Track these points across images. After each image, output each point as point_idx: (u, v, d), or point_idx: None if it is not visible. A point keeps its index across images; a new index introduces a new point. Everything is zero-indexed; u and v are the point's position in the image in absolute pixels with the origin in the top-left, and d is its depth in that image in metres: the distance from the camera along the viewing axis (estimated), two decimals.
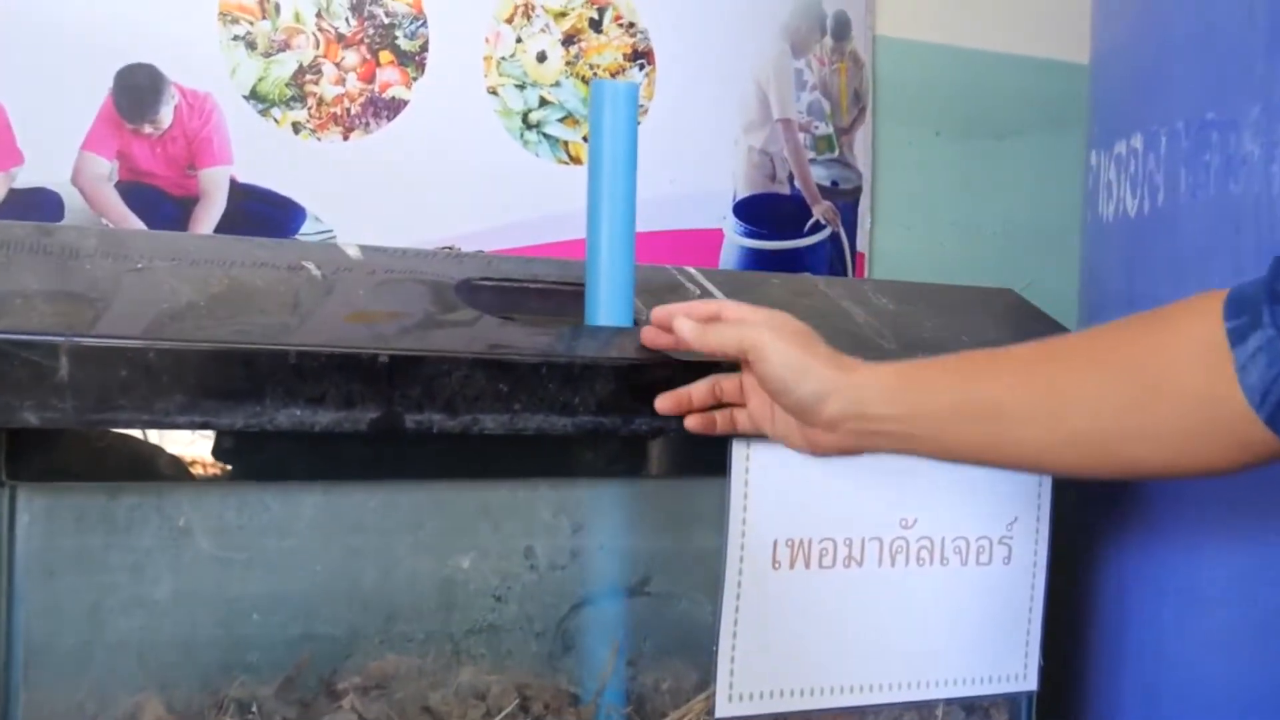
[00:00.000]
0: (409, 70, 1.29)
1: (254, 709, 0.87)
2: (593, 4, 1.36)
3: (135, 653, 0.85)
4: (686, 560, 1.00)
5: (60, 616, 0.83)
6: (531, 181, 1.35)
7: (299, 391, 0.82)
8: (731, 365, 0.92)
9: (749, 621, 0.98)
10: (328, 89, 1.26)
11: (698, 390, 0.91)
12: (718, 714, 0.97)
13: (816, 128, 1.49)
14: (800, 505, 1.01)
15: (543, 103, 1.35)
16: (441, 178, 1.31)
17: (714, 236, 1.44)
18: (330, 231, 1.26)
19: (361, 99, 1.27)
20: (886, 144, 1.54)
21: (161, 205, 1.21)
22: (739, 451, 0.98)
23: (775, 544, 1.01)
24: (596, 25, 1.37)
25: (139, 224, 1.19)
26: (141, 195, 1.20)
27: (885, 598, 1.04)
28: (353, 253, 1.02)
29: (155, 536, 0.85)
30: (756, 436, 0.97)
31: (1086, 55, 1.32)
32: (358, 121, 1.28)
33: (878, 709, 1.06)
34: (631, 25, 1.39)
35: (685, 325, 0.88)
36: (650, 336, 0.92)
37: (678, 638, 1.02)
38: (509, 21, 1.33)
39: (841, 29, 1.50)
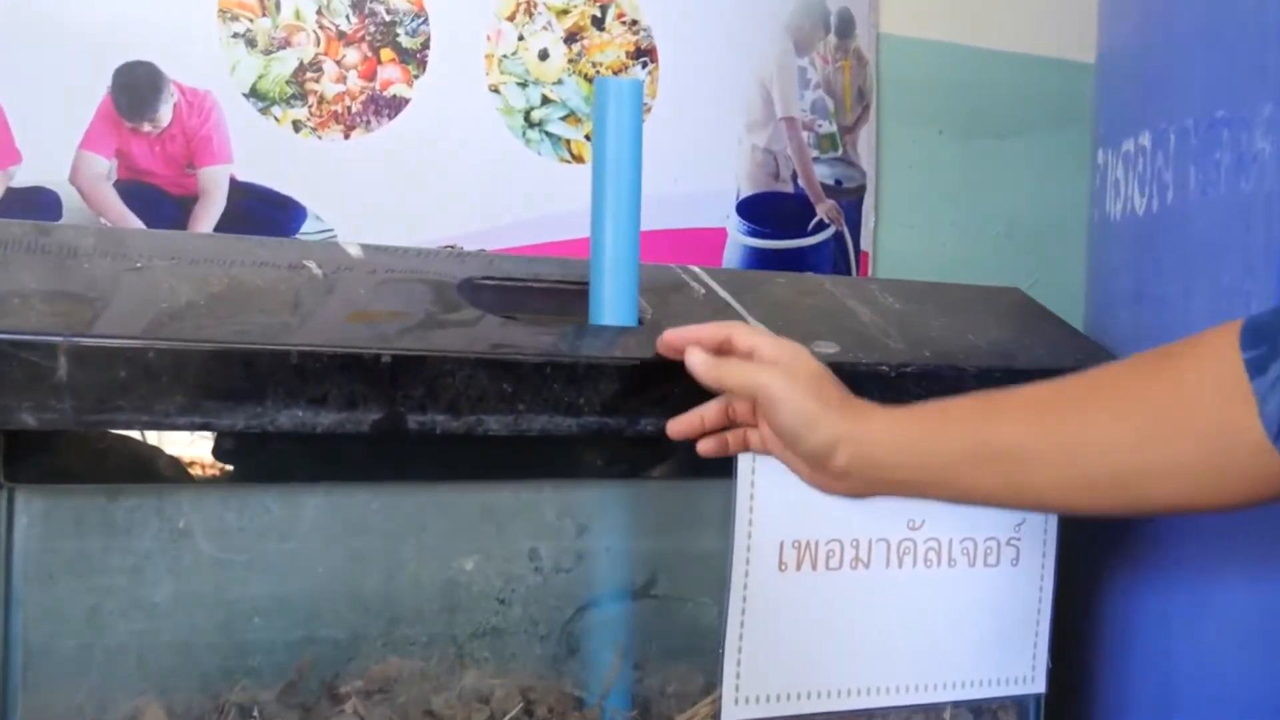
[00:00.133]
0: (410, 68, 1.28)
1: (255, 713, 0.86)
2: (595, 1, 1.35)
3: (135, 656, 0.85)
4: (692, 562, 0.99)
5: (59, 620, 0.82)
6: (533, 180, 1.34)
7: (300, 392, 0.82)
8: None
9: (755, 624, 0.97)
10: (328, 87, 1.25)
11: (709, 412, 0.90)
12: (724, 717, 0.96)
13: (820, 126, 1.48)
14: (807, 506, 1.00)
15: (545, 101, 1.34)
16: (443, 176, 1.30)
17: (717, 235, 1.43)
18: (331, 231, 1.25)
19: (362, 97, 1.26)
20: (890, 142, 1.53)
21: (161, 204, 1.20)
22: (745, 454, 0.97)
23: (781, 545, 1.00)
24: (599, 23, 1.36)
25: (138, 223, 1.18)
26: (140, 194, 1.19)
27: (892, 600, 1.03)
28: (354, 252, 1.01)
29: (155, 539, 0.84)
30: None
31: (1091, 54, 1.32)
32: (359, 120, 1.27)
33: (885, 712, 1.05)
34: (634, 23, 1.38)
35: (696, 359, 0.86)
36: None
37: (683, 640, 1.01)
38: (511, 19, 1.32)
39: (845, 27, 1.49)
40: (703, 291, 1.07)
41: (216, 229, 1.21)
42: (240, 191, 1.22)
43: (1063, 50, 1.60)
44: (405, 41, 1.28)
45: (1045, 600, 1.09)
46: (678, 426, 0.89)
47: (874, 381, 0.99)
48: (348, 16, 1.25)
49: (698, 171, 1.42)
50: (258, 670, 0.88)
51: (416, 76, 1.29)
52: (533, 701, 0.94)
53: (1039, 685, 1.10)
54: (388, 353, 0.84)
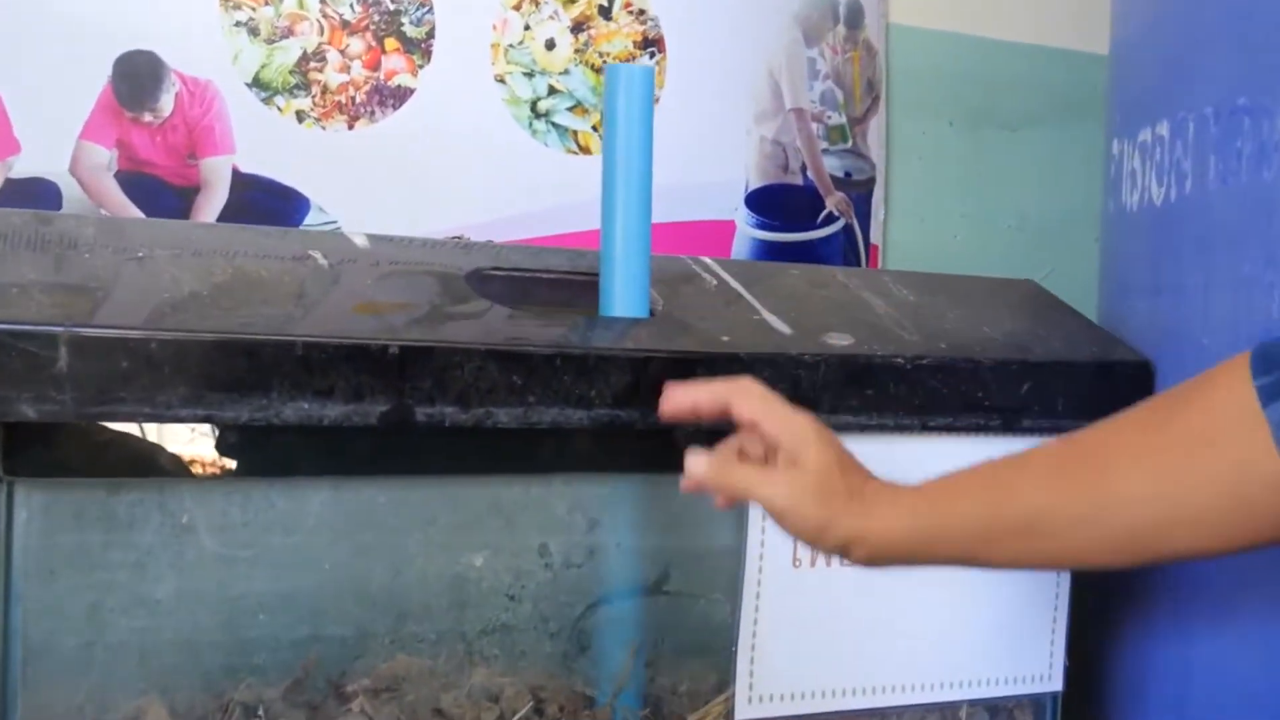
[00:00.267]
0: (415, 58, 1.26)
1: (260, 712, 0.85)
2: None
3: (137, 654, 0.83)
4: (705, 558, 0.98)
5: (59, 616, 0.80)
6: (540, 172, 1.32)
7: (306, 384, 0.80)
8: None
9: (769, 621, 0.95)
10: (332, 77, 1.23)
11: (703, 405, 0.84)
12: (737, 716, 0.95)
13: (829, 117, 1.46)
14: None
15: (551, 91, 1.32)
16: (448, 168, 1.28)
17: (726, 228, 1.41)
18: (335, 222, 1.23)
19: (367, 87, 1.25)
20: (900, 134, 1.52)
21: (162, 195, 1.18)
22: None
23: (796, 541, 0.98)
24: (606, 12, 1.34)
25: (139, 215, 1.17)
26: (141, 185, 1.17)
27: (907, 596, 1.02)
28: (360, 242, 0.99)
29: (157, 534, 0.83)
30: None
31: (1101, 45, 1.30)
32: (363, 110, 1.25)
33: (900, 710, 1.03)
34: (642, 12, 1.36)
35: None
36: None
37: (696, 638, 0.99)
38: (517, 8, 1.30)
39: (854, 17, 1.47)
40: (714, 283, 1.06)
41: (219, 221, 1.19)
42: (243, 183, 1.20)
43: (1074, 41, 1.59)
44: (410, 31, 1.26)
45: (1062, 597, 1.07)
46: (670, 405, 0.83)
47: (889, 374, 0.97)
48: (352, 5, 1.23)
49: (706, 163, 1.40)
50: (263, 668, 0.86)
51: (421, 66, 1.27)
52: (543, 700, 0.92)
53: (1056, 683, 1.08)
54: (395, 344, 0.82)
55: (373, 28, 1.25)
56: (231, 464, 0.84)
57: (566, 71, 1.33)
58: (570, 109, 1.33)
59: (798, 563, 0.98)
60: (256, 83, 1.21)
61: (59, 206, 1.14)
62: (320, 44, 1.23)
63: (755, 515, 0.96)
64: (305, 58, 1.22)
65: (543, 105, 1.32)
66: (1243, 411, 0.70)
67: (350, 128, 1.24)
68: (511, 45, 1.31)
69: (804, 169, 1.45)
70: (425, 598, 0.90)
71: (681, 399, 0.82)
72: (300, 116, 1.22)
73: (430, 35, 1.27)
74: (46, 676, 0.80)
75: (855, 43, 1.47)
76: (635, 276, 0.95)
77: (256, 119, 1.21)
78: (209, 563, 0.84)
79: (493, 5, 1.30)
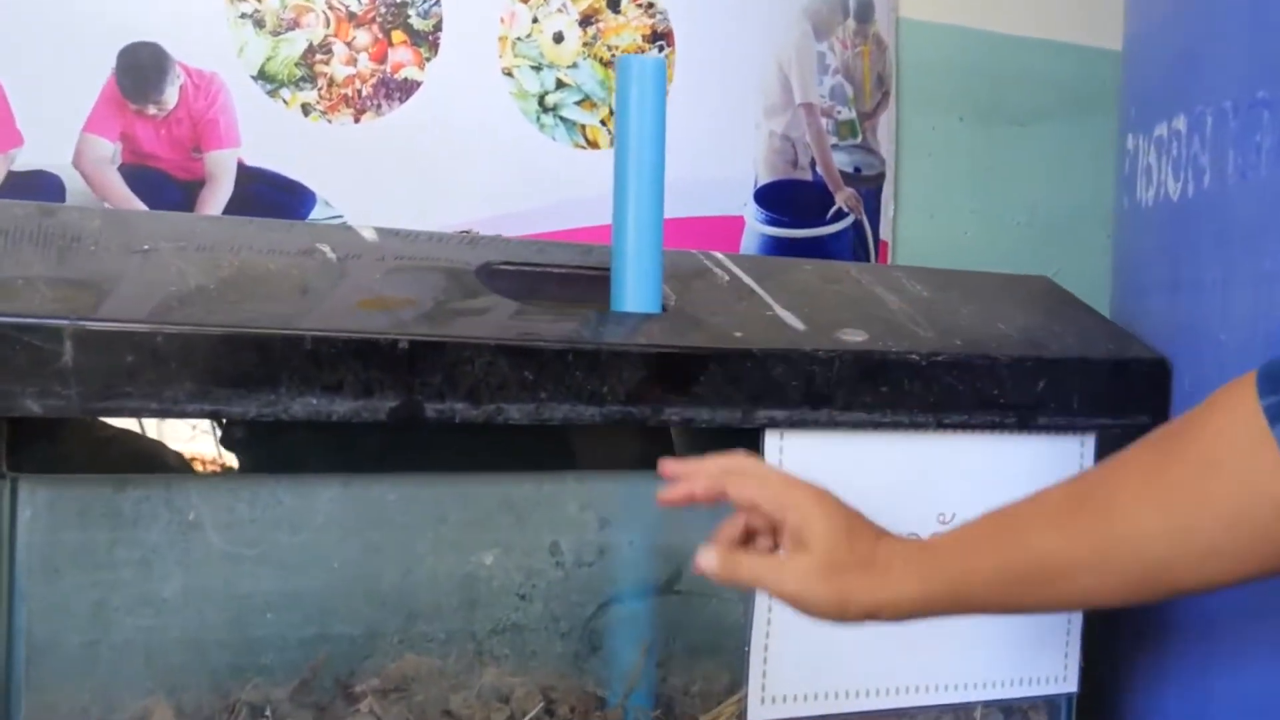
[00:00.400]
0: (422, 50, 1.25)
1: (267, 713, 0.84)
2: None
3: (142, 653, 0.82)
4: None
5: (64, 615, 0.79)
6: (547, 166, 1.31)
7: (315, 379, 0.79)
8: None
9: (782, 621, 0.94)
10: (338, 69, 1.22)
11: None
12: (750, 717, 0.94)
13: (839, 112, 1.45)
14: None
15: (559, 85, 1.31)
16: (455, 162, 1.27)
17: (735, 223, 1.40)
18: (340, 217, 1.22)
19: (373, 80, 1.23)
20: (910, 129, 1.50)
21: (166, 189, 1.17)
22: (772, 443, 0.94)
23: None
24: (614, 5, 1.33)
25: (142, 208, 1.15)
26: (145, 178, 1.16)
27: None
28: (368, 236, 0.98)
29: (163, 531, 0.81)
30: (790, 430, 0.94)
31: (1112, 39, 1.28)
32: (369, 103, 1.23)
33: (914, 711, 1.02)
34: (650, 5, 1.35)
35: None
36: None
37: (708, 638, 0.98)
38: (525, 1, 1.29)
39: (864, 11, 1.46)
40: (726, 278, 1.04)
41: (224, 214, 1.17)
42: (248, 176, 1.19)
43: (1084, 36, 1.58)
44: (417, 23, 1.25)
45: None
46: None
47: (904, 370, 0.96)
48: None
49: (715, 158, 1.39)
50: (270, 668, 0.85)
51: (428, 59, 1.25)
52: (554, 701, 0.91)
53: (1071, 684, 1.07)
54: (405, 338, 0.81)
55: (379, 20, 1.23)
56: (239, 460, 0.83)
57: (575, 65, 1.32)
58: (578, 103, 1.32)
59: None
60: (262, 75, 1.19)
61: (62, 200, 1.12)
62: (326, 36, 1.21)
63: None
64: (311, 50, 1.21)
65: (550, 99, 1.31)
66: (1250, 432, 0.68)
67: (356, 121, 1.23)
68: (519, 38, 1.29)
69: (813, 164, 1.44)
70: (435, 596, 0.89)
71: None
72: (306, 109, 1.21)
73: (437, 28, 1.26)
74: (51, 676, 0.79)
75: (865, 37, 1.46)
76: (648, 271, 0.94)
77: (262, 112, 1.20)
78: (216, 561, 0.82)
79: None
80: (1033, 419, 1.02)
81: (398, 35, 1.24)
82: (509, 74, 1.29)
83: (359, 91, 1.23)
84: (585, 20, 1.32)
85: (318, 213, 1.21)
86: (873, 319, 1.02)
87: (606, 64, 1.33)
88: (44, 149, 1.12)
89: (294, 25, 1.20)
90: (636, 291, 0.94)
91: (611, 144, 1.32)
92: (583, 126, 1.32)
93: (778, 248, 1.41)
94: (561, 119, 1.31)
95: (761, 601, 0.93)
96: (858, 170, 1.47)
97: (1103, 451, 1.07)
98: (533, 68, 1.30)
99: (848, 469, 0.98)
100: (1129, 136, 1.20)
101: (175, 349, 0.76)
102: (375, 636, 0.87)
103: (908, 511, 1.00)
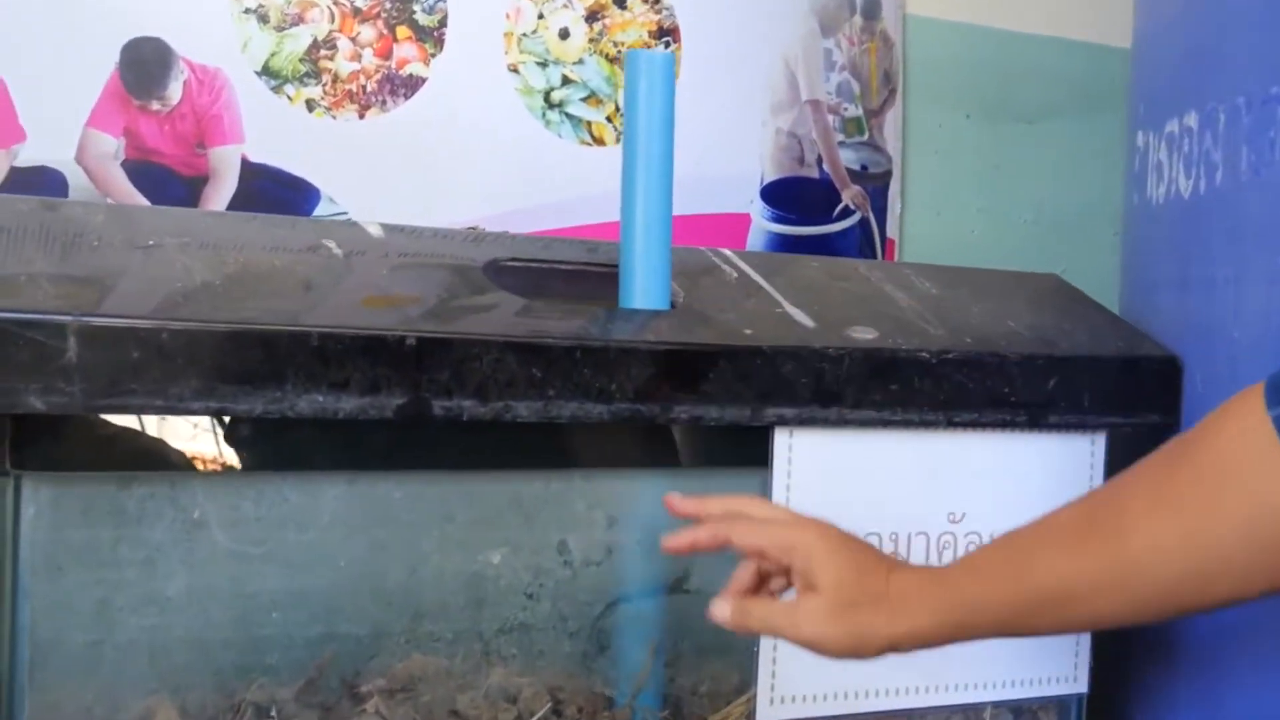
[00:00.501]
0: (427, 46, 1.24)
1: (273, 713, 0.83)
2: None
3: (147, 653, 0.81)
4: (727, 556, 0.94)
5: (68, 614, 0.78)
6: (553, 163, 1.30)
7: (321, 376, 0.78)
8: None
9: None
10: (343, 65, 1.21)
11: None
12: (759, 717, 0.93)
13: (846, 109, 1.44)
14: (845, 499, 0.96)
15: (565, 81, 1.30)
16: (460, 159, 1.26)
17: (741, 221, 1.39)
18: (345, 213, 1.21)
19: (378, 76, 1.22)
20: (916, 127, 1.49)
21: (170, 185, 1.16)
22: (782, 441, 0.94)
23: None
24: (620, 1, 1.32)
25: (146, 204, 1.14)
26: (149, 174, 1.15)
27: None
28: (374, 232, 0.97)
29: (168, 529, 0.80)
30: (799, 428, 0.93)
31: (1120, 37, 1.27)
32: (374, 99, 1.22)
33: (924, 712, 1.01)
34: (657, 1, 1.34)
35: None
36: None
37: (717, 638, 0.96)
38: None
39: (871, 7, 1.45)
40: (734, 275, 1.03)
41: (228, 211, 1.17)
42: (252, 172, 1.18)
43: (1092, 33, 1.57)
44: (422, 19, 1.24)
45: None
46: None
47: (914, 368, 0.95)
48: None
49: (721, 155, 1.38)
50: (275, 668, 0.84)
51: (433, 55, 1.25)
52: (561, 701, 0.90)
53: (1081, 685, 1.06)
54: (412, 335, 0.80)
55: (384, 15, 1.22)
56: (244, 458, 0.82)
57: (580, 61, 1.31)
58: (584, 99, 1.31)
59: None
60: (266, 71, 1.19)
61: (65, 195, 1.11)
62: (331, 32, 1.20)
63: None
64: (316, 45, 1.20)
65: (556, 95, 1.30)
66: (1258, 445, 0.68)
67: (361, 117, 1.22)
68: (525, 34, 1.28)
69: (820, 162, 1.43)
70: (442, 596, 0.88)
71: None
72: (310, 105, 1.20)
73: (443, 23, 1.25)
74: (54, 675, 0.78)
75: (872, 34, 1.45)
76: (656, 267, 0.93)
77: (266, 108, 1.19)
78: (221, 559, 0.82)
79: None
80: (1043, 417, 1.01)
81: (403, 31, 1.23)
82: (514, 70, 1.28)
83: (364, 87, 1.22)
84: (591, 16, 1.31)
85: (322, 209, 1.20)
86: (882, 316, 1.01)
87: (612, 60, 1.32)
88: (47, 144, 1.11)
89: (298, 20, 1.19)
90: (645, 288, 0.93)
91: (617, 141, 1.32)
92: (588, 123, 1.31)
93: (784, 245, 1.40)
94: (567, 115, 1.31)
95: None
96: (864, 168, 1.46)
97: (1113, 450, 1.06)
98: (538, 64, 1.29)
99: (857, 467, 0.97)
100: (1139, 133, 1.20)
101: (180, 345, 0.75)
102: (381, 636, 0.86)
103: (918, 510, 1.00)
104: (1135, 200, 1.20)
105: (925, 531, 1.00)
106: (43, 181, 1.11)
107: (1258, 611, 1.00)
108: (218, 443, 0.82)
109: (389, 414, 0.80)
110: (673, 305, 0.94)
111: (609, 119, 1.32)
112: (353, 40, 1.21)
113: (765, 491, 0.93)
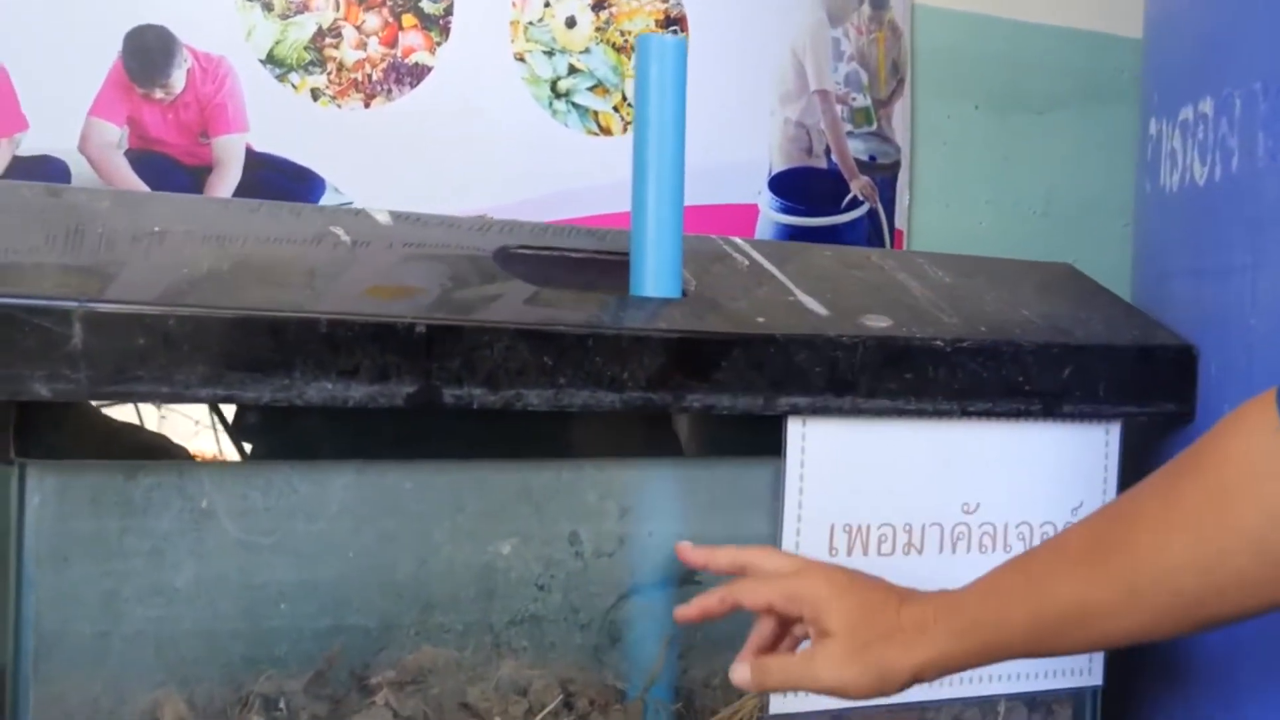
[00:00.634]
0: (433, 35, 1.23)
1: (281, 705, 0.81)
2: None
3: (154, 644, 0.80)
4: (742, 537, 0.94)
5: (74, 605, 0.77)
6: (560, 153, 1.29)
7: (330, 363, 0.77)
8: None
9: None
10: (348, 53, 1.20)
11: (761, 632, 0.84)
12: (772, 710, 0.92)
13: (854, 100, 1.43)
14: (859, 489, 0.95)
15: (572, 70, 1.29)
16: (466, 148, 1.25)
17: (749, 211, 1.38)
18: (350, 203, 1.20)
19: (383, 64, 1.21)
20: (925, 117, 1.48)
21: (173, 174, 1.15)
22: (795, 430, 0.92)
23: (832, 529, 0.95)
24: None
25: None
26: (152, 164, 1.14)
27: (946, 587, 0.98)
28: (383, 219, 0.96)
29: (175, 519, 0.79)
30: (813, 417, 0.92)
31: (1128, 27, 1.26)
32: (379, 88, 1.21)
33: (938, 705, 1.00)
34: None
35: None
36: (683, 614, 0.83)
37: (730, 630, 0.95)
38: None
39: None
40: (746, 263, 1.02)
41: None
42: (256, 162, 1.17)
43: (1101, 24, 1.56)
44: (428, 7, 1.23)
45: None
46: (681, 615, 0.83)
47: (929, 357, 0.94)
48: None
49: (728, 145, 1.37)
50: (284, 659, 0.83)
51: (439, 44, 1.23)
52: (573, 693, 0.89)
53: (1096, 678, 1.05)
54: (423, 322, 0.79)
55: (390, 3, 1.21)
56: (252, 447, 0.81)
57: (587, 50, 1.30)
58: (591, 89, 1.30)
59: (834, 552, 0.95)
60: (270, 59, 1.17)
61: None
62: (336, 20, 1.19)
63: (790, 506, 0.93)
64: (320, 34, 1.19)
65: (563, 85, 1.29)
66: (1268, 455, 0.67)
67: (366, 106, 1.21)
68: (531, 23, 1.27)
69: (828, 152, 1.42)
70: (452, 587, 0.87)
71: (692, 612, 0.82)
72: (315, 94, 1.19)
73: (449, 12, 1.24)
74: (60, 667, 0.76)
75: (880, 23, 1.44)
76: (668, 255, 0.92)
77: (270, 96, 1.17)
78: (229, 550, 0.80)
79: None
80: (1058, 406, 1.00)
81: (408, 19, 1.22)
82: (521, 59, 1.27)
83: (369, 76, 1.21)
84: (597, 5, 1.30)
85: (327, 199, 1.19)
86: (896, 305, 1.00)
87: (619, 49, 1.31)
88: (49, 133, 1.10)
89: (303, 8, 1.18)
90: (657, 276, 0.92)
91: (624, 131, 1.31)
92: (595, 113, 1.30)
93: (792, 236, 1.39)
94: (574, 105, 1.29)
95: None
96: (873, 158, 1.45)
97: (1128, 439, 1.05)
98: (545, 53, 1.28)
99: (871, 457, 0.96)
100: (1151, 121, 1.18)
101: (187, 332, 0.74)
102: (391, 628, 0.85)
103: (931, 500, 0.99)
104: (1148, 189, 1.19)
105: (939, 522, 0.99)
106: (45, 171, 1.10)
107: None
108: (224, 432, 0.81)
109: (399, 402, 0.79)
110: (684, 293, 0.93)
111: (616, 109, 1.31)
112: (358, 28, 1.20)
113: (778, 480, 0.92)
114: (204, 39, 1.15)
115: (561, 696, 0.88)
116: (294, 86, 1.18)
